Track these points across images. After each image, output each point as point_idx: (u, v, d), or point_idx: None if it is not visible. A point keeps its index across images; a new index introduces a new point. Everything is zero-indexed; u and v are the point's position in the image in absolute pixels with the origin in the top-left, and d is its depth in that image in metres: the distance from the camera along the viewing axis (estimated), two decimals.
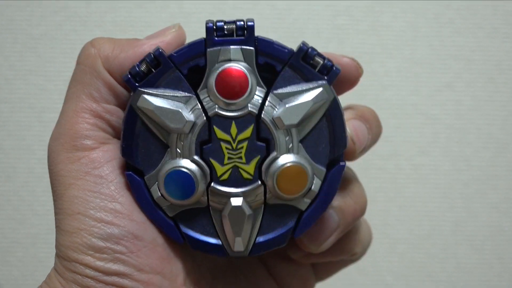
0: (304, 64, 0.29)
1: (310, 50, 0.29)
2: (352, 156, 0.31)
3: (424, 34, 0.65)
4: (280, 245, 0.30)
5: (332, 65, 0.29)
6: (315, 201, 0.29)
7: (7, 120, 0.66)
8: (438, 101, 0.66)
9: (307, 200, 0.29)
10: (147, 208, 0.29)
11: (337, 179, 0.29)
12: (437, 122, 0.66)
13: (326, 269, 0.36)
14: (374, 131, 0.32)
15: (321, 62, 0.29)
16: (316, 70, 0.29)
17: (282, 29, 0.66)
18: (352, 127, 0.31)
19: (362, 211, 0.32)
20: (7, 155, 0.67)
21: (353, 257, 0.34)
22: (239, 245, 0.29)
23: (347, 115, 0.31)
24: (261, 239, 0.29)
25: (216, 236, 0.29)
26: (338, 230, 0.31)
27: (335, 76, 0.29)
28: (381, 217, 0.67)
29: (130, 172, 0.29)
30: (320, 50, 0.29)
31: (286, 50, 0.29)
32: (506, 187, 0.67)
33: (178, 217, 0.29)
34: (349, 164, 0.31)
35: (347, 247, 0.33)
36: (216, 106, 0.28)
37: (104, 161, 0.28)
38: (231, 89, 0.28)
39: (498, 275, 0.67)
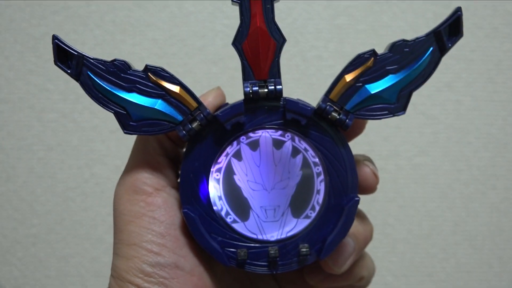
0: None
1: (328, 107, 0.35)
2: (372, 190, 0.38)
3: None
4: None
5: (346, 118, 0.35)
6: (336, 229, 0.34)
7: (7, 120, 0.66)
8: (438, 101, 0.66)
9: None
10: (200, 238, 0.35)
11: (353, 211, 0.34)
12: (437, 122, 0.66)
13: None
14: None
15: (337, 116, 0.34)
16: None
17: (282, 29, 0.65)
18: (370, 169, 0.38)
19: (371, 236, 0.39)
20: (7, 155, 0.67)
21: (360, 282, 0.39)
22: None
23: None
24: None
25: None
26: (354, 253, 0.37)
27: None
28: (381, 217, 0.67)
29: (186, 210, 0.34)
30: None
31: (309, 108, 0.34)
32: (506, 187, 0.67)
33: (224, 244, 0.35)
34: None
35: (356, 271, 0.39)
36: None
37: (157, 205, 0.35)
38: None
39: (498, 275, 0.67)
